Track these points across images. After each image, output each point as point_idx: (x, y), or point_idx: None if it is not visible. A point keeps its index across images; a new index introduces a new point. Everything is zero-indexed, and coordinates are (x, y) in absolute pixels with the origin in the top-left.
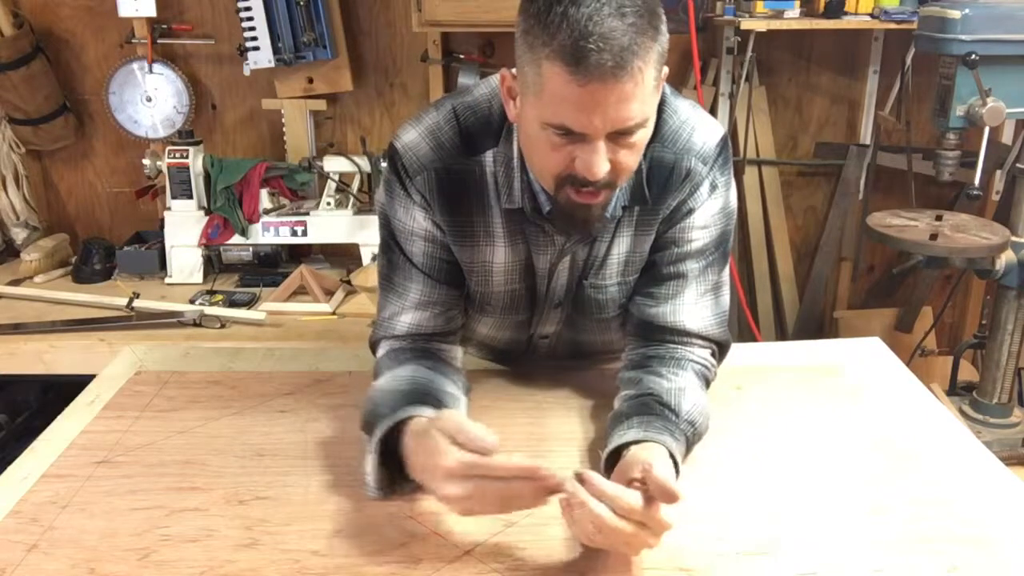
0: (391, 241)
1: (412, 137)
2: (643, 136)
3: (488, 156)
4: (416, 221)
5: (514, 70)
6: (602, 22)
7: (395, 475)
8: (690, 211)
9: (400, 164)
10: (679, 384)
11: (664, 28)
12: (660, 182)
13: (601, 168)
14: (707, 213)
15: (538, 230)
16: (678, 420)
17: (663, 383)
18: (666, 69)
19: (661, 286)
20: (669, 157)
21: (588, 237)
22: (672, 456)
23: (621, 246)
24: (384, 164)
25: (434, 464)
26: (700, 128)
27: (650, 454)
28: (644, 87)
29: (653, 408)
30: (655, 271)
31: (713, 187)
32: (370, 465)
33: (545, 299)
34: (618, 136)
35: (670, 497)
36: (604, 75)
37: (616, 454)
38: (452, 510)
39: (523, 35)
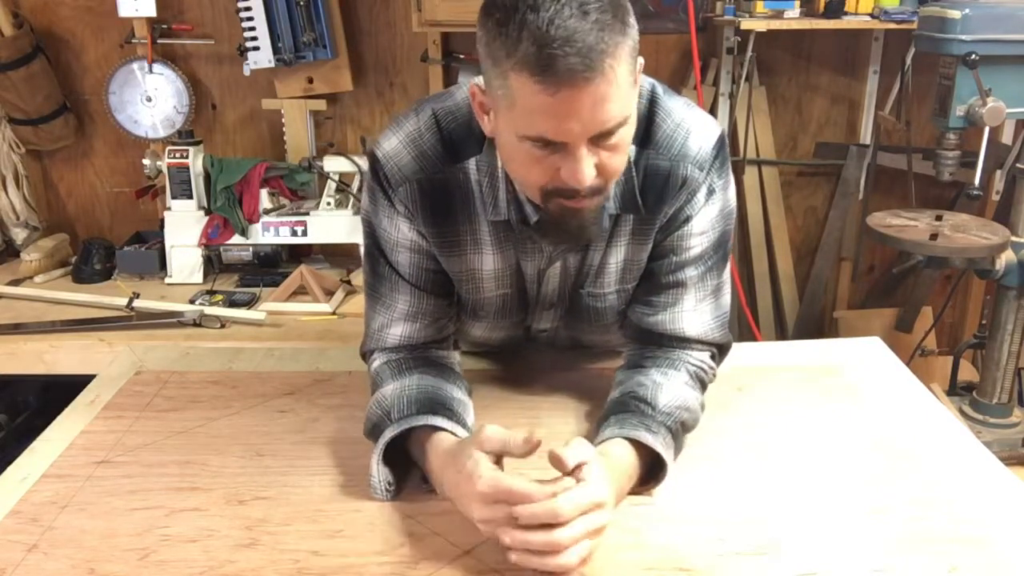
0: (376, 250)
1: (393, 145)
2: (626, 134)
3: (471, 163)
4: (401, 232)
5: (481, 82)
6: (564, 24)
7: (402, 477)
8: (687, 219)
9: (382, 174)
10: (660, 381)
11: (632, 20)
12: (656, 191)
13: (587, 175)
14: (705, 219)
15: (526, 238)
16: (654, 413)
17: (646, 382)
18: (641, 60)
19: (660, 295)
20: (664, 165)
21: (582, 245)
22: (649, 448)
23: (618, 255)
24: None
25: (469, 487)
26: (695, 131)
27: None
28: (619, 85)
29: (629, 405)
30: (654, 280)
31: (710, 192)
32: (374, 468)
33: (536, 302)
34: (599, 139)
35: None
36: (575, 79)
37: None
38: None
39: (485, 48)
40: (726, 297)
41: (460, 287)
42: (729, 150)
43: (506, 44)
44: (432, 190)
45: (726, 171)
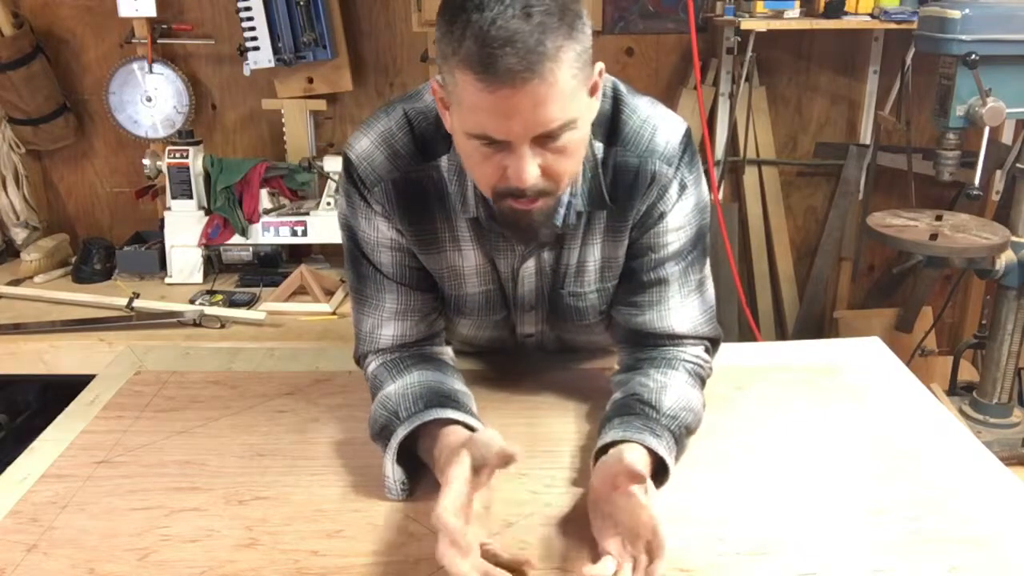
0: (357, 252)
1: (365, 146)
2: (574, 139)
3: (443, 161)
4: (380, 232)
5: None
6: (506, 25)
7: (413, 476)
8: (661, 215)
9: (356, 175)
10: (663, 382)
11: (583, 26)
12: (625, 187)
13: (529, 175)
14: (680, 214)
15: (498, 235)
16: (659, 416)
17: (648, 383)
18: (600, 65)
19: (644, 294)
20: (633, 161)
21: (535, 244)
22: (654, 452)
23: (594, 253)
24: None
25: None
26: (662, 127)
27: (620, 454)
28: (561, 88)
29: (633, 408)
30: (635, 279)
31: (682, 187)
32: (389, 468)
33: (515, 302)
34: (545, 140)
35: (636, 478)
36: (513, 79)
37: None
38: None
39: (437, 44)
40: (710, 292)
41: (442, 283)
42: (696, 147)
43: (452, 42)
44: (407, 188)
45: (696, 166)
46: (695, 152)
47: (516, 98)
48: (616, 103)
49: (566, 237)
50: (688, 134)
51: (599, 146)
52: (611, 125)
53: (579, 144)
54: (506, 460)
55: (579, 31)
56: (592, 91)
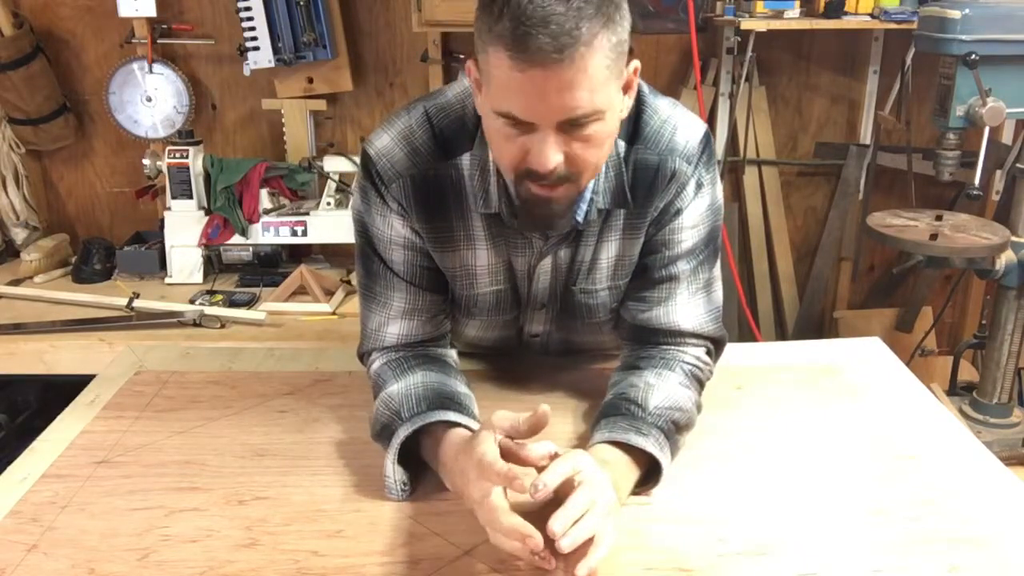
0: (369, 249)
1: (385, 143)
2: (601, 130)
3: (464, 159)
4: (394, 229)
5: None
6: (544, 5)
7: (414, 476)
8: (678, 212)
9: (375, 172)
10: (654, 383)
11: (621, 18)
12: (645, 185)
13: (551, 159)
14: (695, 212)
15: (516, 232)
16: (644, 415)
17: (638, 383)
18: (636, 63)
19: (653, 290)
20: (653, 159)
21: (554, 236)
22: (641, 449)
23: (609, 250)
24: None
25: (474, 471)
26: (682, 126)
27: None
28: (592, 76)
29: (619, 408)
30: (647, 275)
31: (699, 185)
32: (389, 469)
33: (528, 300)
34: (570, 127)
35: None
36: (545, 60)
37: None
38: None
39: (476, 21)
40: (718, 293)
41: (454, 283)
42: (716, 148)
43: (489, 18)
44: (425, 185)
45: (713, 167)
46: (713, 153)
47: (545, 80)
48: (638, 103)
49: (584, 234)
50: (707, 135)
51: (621, 144)
52: (633, 124)
53: (606, 137)
54: (537, 422)
55: (616, 23)
56: (626, 88)
